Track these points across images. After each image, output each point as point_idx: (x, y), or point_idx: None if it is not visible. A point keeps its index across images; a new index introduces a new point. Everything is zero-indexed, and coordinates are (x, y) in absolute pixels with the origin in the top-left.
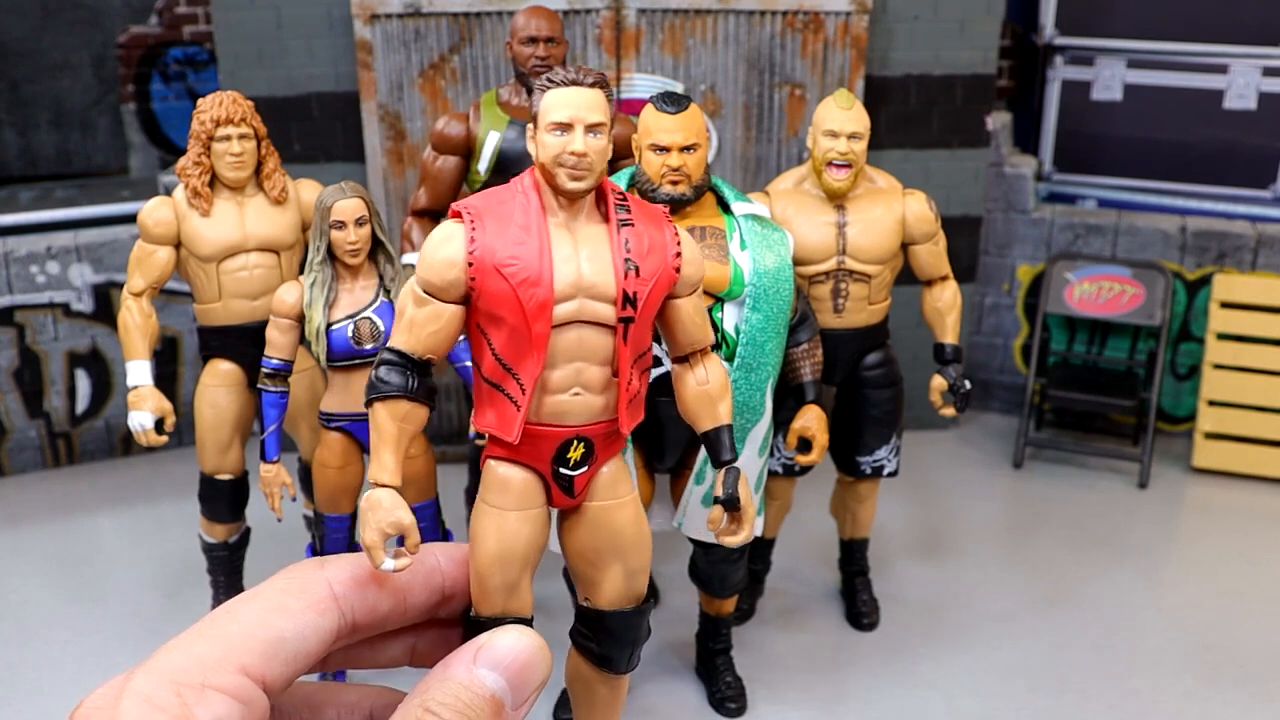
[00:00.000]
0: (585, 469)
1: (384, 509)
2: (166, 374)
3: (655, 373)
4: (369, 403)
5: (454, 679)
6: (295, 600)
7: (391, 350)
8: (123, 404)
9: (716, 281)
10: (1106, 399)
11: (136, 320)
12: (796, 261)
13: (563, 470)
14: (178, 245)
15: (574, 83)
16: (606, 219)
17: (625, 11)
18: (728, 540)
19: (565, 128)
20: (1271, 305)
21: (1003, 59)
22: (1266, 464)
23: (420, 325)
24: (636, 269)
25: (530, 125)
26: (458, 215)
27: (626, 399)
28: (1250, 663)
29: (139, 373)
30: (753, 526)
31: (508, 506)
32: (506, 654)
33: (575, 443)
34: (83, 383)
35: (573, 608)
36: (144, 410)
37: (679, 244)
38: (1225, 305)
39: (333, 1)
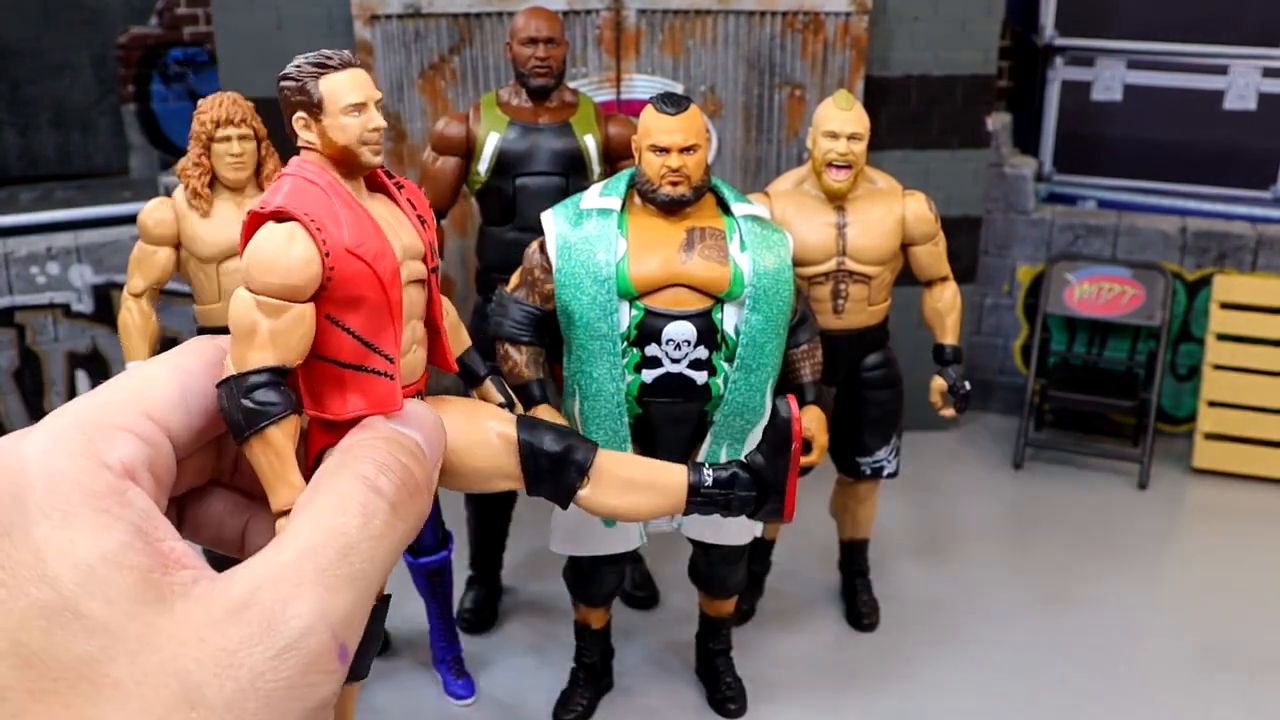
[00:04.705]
0: None
1: None
2: None
3: (654, 374)
4: (252, 435)
5: (377, 432)
6: (193, 360)
7: (258, 371)
8: None
9: (716, 282)
10: (1106, 399)
11: (136, 321)
12: (796, 262)
13: None
14: (178, 246)
15: (347, 64)
16: (374, 188)
17: (625, 12)
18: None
19: (360, 107)
20: (1271, 306)
21: (1003, 59)
22: (1266, 464)
23: (285, 333)
24: (424, 222)
25: (302, 115)
26: (280, 217)
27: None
28: (1250, 663)
29: None
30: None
31: None
32: (422, 413)
33: (419, 398)
34: (83, 383)
35: (572, 608)
36: None
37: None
38: (1225, 306)
39: (333, 2)
